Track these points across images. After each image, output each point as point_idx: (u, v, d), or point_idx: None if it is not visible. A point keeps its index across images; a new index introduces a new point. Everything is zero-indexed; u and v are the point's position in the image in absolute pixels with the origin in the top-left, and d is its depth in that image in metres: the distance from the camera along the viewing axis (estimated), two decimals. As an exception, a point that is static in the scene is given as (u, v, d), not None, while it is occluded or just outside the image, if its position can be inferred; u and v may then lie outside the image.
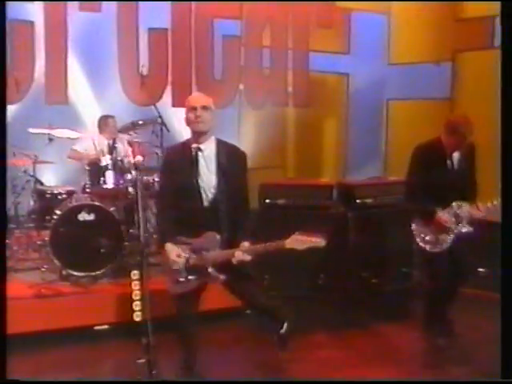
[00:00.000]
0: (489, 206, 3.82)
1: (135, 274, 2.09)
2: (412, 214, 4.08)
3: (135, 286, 2.06)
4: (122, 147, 5.11)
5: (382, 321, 4.54)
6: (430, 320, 4.13)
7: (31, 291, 4.29)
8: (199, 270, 3.04)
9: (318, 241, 2.80)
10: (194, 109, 3.07)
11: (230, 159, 3.12)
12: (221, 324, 4.19)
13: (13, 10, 5.32)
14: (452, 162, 3.94)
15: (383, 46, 6.89)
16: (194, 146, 3.11)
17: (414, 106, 6.49)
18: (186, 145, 3.21)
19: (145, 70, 5.71)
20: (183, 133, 6.26)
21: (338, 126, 7.43)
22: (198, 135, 3.13)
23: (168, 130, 4.89)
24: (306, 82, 7.04)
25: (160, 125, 4.82)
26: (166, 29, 6.39)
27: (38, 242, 4.92)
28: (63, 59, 6.11)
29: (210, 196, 3.10)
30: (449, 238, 3.87)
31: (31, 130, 4.92)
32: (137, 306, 2.06)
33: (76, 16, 6.11)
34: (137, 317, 2.05)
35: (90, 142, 5.36)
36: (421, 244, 3.99)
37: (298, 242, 2.80)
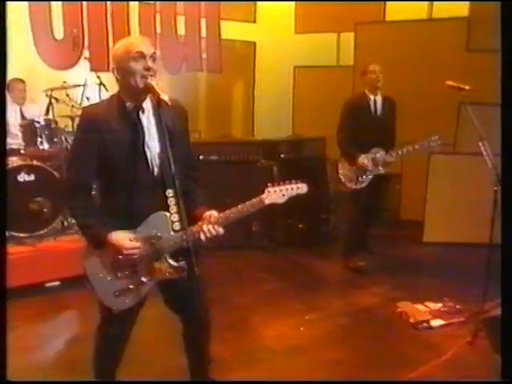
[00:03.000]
0: (398, 153, 4.68)
1: (169, 192, 2.28)
2: (340, 155, 4.79)
3: (171, 201, 2.29)
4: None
5: (311, 258, 5.21)
6: (350, 248, 4.89)
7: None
8: (152, 267, 2.30)
9: (300, 187, 2.39)
10: (143, 57, 2.21)
11: (172, 116, 2.30)
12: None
13: None
14: (375, 111, 4.73)
15: (289, 16, 7.42)
16: (130, 104, 2.28)
17: (319, 73, 7.15)
18: (119, 104, 2.30)
19: (56, 34, 5.70)
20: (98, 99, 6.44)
21: (246, 90, 7.90)
22: (140, 93, 2.25)
23: (107, 90, 5.00)
24: (218, 49, 7.37)
25: (99, 85, 4.92)
26: (81, -7, 6.32)
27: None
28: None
29: (156, 168, 2.30)
30: (367, 178, 4.66)
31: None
32: (175, 217, 2.29)
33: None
34: (176, 226, 2.29)
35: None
36: (343, 181, 4.72)
37: (277, 194, 2.32)
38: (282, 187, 2.37)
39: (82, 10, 6.40)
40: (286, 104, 7.82)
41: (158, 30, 6.86)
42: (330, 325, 3.81)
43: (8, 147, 4.96)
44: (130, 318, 2.46)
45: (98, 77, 5.01)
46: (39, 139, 4.76)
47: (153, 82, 2.24)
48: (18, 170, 4.61)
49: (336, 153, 5.13)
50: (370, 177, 4.64)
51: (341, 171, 4.72)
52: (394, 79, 6.24)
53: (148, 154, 2.30)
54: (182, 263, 2.30)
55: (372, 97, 4.72)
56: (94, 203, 2.33)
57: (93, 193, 2.41)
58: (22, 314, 3.92)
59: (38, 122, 4.76)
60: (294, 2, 7.33)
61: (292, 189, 2.39)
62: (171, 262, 2.31)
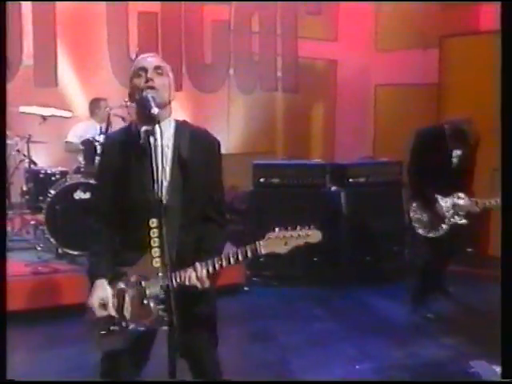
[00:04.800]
0: (486, 205, 3.88)
1: (153, 221, 1.95)
2: (412, 197, 4.12)
3: (153, 233, 1.95)
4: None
5: (375, 296, 4.64)
6: (420, 294, 4.25)
7: (28, 269, 4.28)
8: (141, 312, 2.00)
9: (310, 234, 1.94)
10: (144, 71, 2.01)
11: (193, 144, 2.09)
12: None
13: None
14: (452, 155, 3.96)
15: (371, 32, 6.99)
16: (144, 128, 1.99)
17: (402, 91, 6.61)
18: (129, 129, 2.12)
19: (132, 54, 5.84)
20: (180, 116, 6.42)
21: (327, 110, 7.53)
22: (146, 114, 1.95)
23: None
24: (295, 68, 7.11)
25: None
26: (156, 12, 6.39)
27: (32, 223, 4.91)
28: (52, 41, 6.07)
29: (164, 201, 1.95)
30: (444, 227, 3.92)
31: (22, 109, 4.88)
32: (156, 252, 1.97)
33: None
34: (156, 263, 1.97)
35: (81, 130, 5.33)
36: (417, 227, 4.05)
37: (278, 242, 1.93)
38: (287, 233, 1.94)
39: (157, 30, 6.48)
40: (366, 125, 7.35)
41: (232, 49, 6.77)
42: (383, 379, 3.27)
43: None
44: (126, 365, 2.12)
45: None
46: (97, 158, 4.72)
47: (153, 94, 1.97)
48: (75, 187, 4.59)
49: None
50: (447, 226, 3.91)
51: (413, 214, 4.04)
52: (483, 98, 5.58)
53: (156, 186, 1.92)
54: (160, 314, 1.95)
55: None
56: (106, 238, 2.12)
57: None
58: (67, 334, 3.83)
59: (98, 141, 4.74)
60: (375, 19, 6.88)
61: (299, 236, 1.94)
62: (154, 308, 1.97)
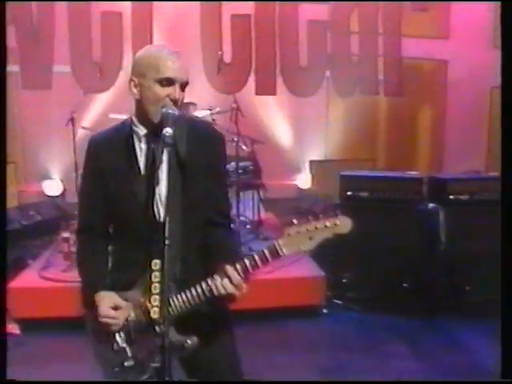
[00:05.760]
0: None
1: (156, 263, 1.66)
2: None
3: (155, 277, 1.67)
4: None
5: (472, 334, 3.99)
6: None
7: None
8: (144, 341, 1.75)
9: (338, 223, 1.58)
10: (171, 83, 1.76)
11: (196, 147, 1.83)
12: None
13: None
14: None
15: (487, 27, 6.19)
16: (142, 132, 1.83)
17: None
18: (122, 130, 1.88)
19: (225, 58, 5.75)
20: (264, 121, 6.22)
21: (435, 116, 6.85)
22: (156, 124, 1.77)
23: (243, 116, 4.67)
24: (399, 70, 6.55)
25: (236, 110, 4.60)
26: (249, 15, 6.20)
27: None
28: (148, 44, 6.14)
29: (163, 215, 1.69)
30: None
31: (111, 116, 4.97)
32: (155, 300, 1.68)
33: (162, 5, 6.11)
34: (154, 313, 1.68)
35: None
36: None
37: (301, 238, 1.60)
38: (310, 226, 1.59)
39: (250, 33, 6.30)
40: (480, 133, 6.56)
41: (329, 50, 6.39)
42: None
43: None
44: None
45: (235, 101, 4.68)
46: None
47: (174, 112, 1.74)
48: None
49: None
50: None
51: None
52: None
53: (157, 197, 1.79)
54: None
55: None
56: (98, 251, 1.93)
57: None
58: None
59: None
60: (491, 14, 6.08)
61: (326, 227, 1.58)
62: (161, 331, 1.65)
